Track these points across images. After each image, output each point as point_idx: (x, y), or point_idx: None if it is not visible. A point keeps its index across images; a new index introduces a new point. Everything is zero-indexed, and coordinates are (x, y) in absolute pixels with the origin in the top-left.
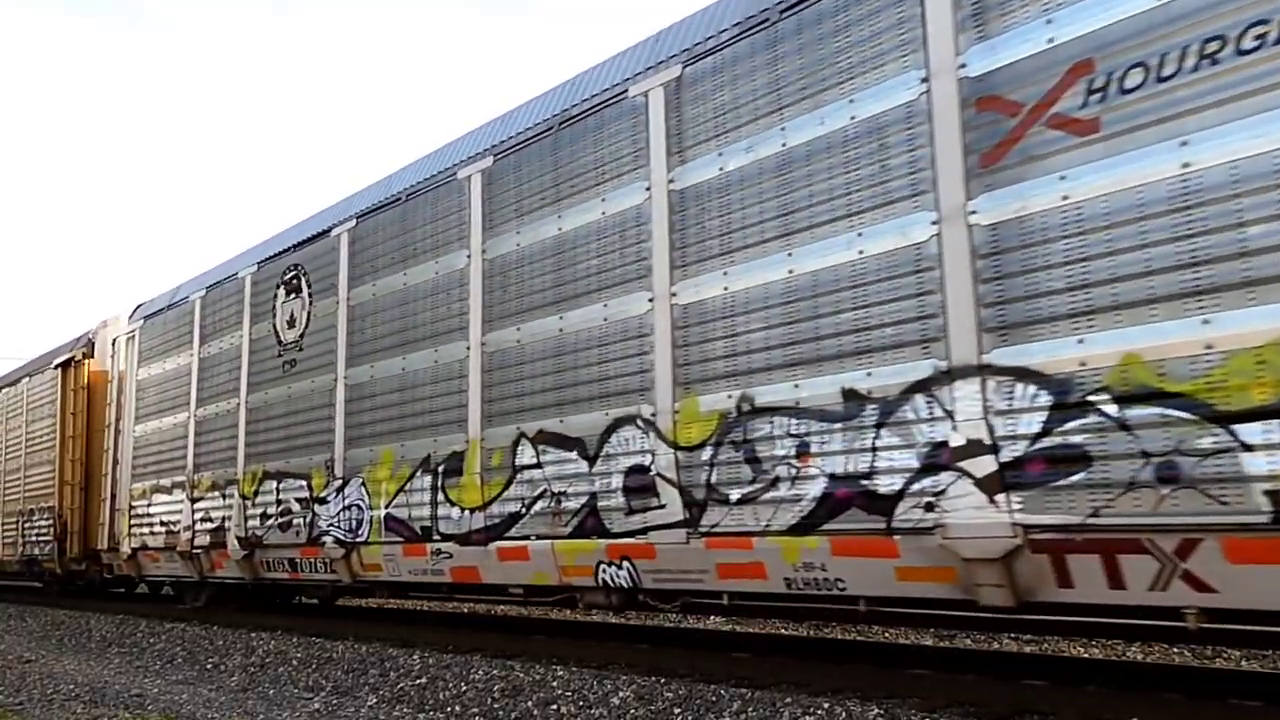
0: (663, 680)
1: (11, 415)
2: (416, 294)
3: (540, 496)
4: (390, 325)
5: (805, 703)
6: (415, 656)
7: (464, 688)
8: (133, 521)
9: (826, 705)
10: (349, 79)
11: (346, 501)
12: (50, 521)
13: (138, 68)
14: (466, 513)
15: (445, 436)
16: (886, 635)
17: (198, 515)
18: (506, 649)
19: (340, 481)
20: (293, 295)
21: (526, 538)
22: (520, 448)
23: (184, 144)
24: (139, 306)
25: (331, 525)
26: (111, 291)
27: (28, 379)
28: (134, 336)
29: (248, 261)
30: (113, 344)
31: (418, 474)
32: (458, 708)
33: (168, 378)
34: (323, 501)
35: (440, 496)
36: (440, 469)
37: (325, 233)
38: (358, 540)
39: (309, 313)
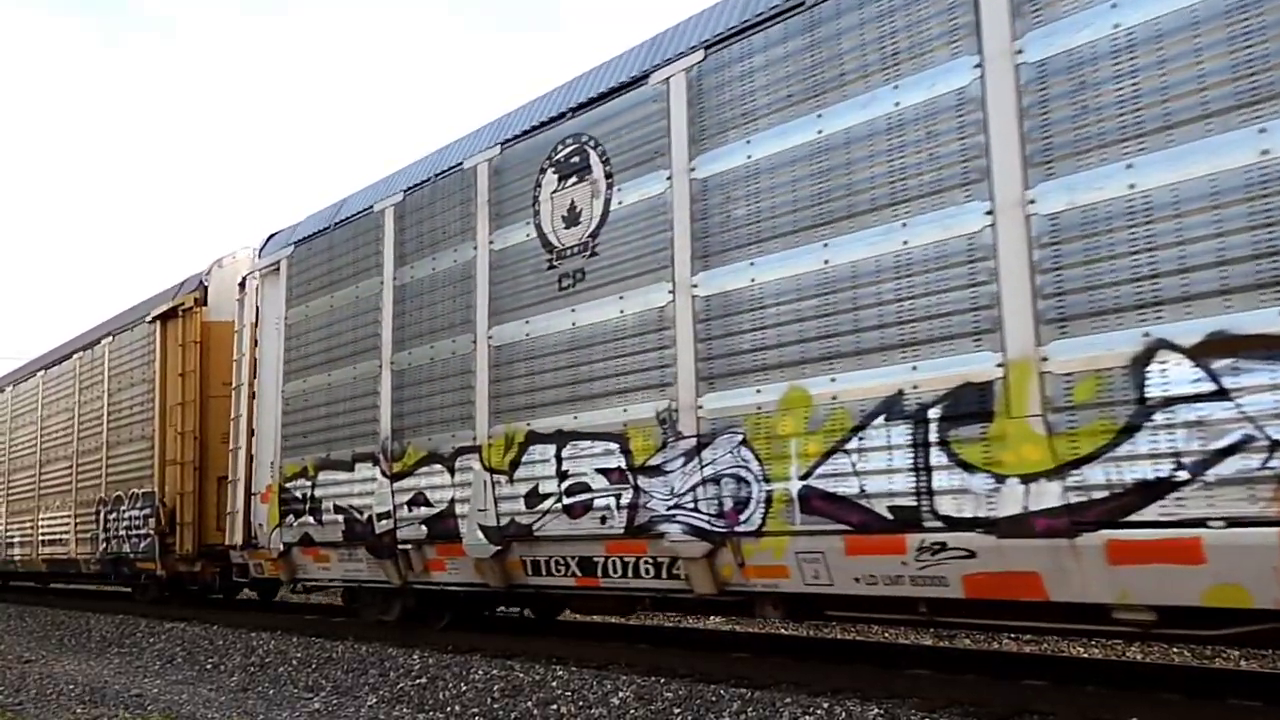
0: (663, 680)
1: (87, 384)
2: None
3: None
4: (808, 191)
5: (805, 703)
6: (415, 656)
7: (464, 688)
8: (285, 508)
9: (826, 705)
10: (360, 87)
11: (709, 471)
12: (147, 511)
13: (134, 67)
14: (1010, 482)
15: (938, 360)
16: (886, 635)
17: (402, 498)
18: (506, 649)
19: (692, 441)
20: (572, 180)
21: (1191, 523)
22: (1158, 365)
23: (183, 145)
24: (273, 236)
25: (677, 507)
26: (109, 293)
27: (109, 339)
28: (279, 270)
29: (475, 146)
30: (241, 285)
31: (875, 423)
32: (457, 708)
33: (338, 318)
34: (654, 471)
35: (938, 457)
36: (933, 414)
37: (637, 81)
38: (736, 530)
39: (607, 201)
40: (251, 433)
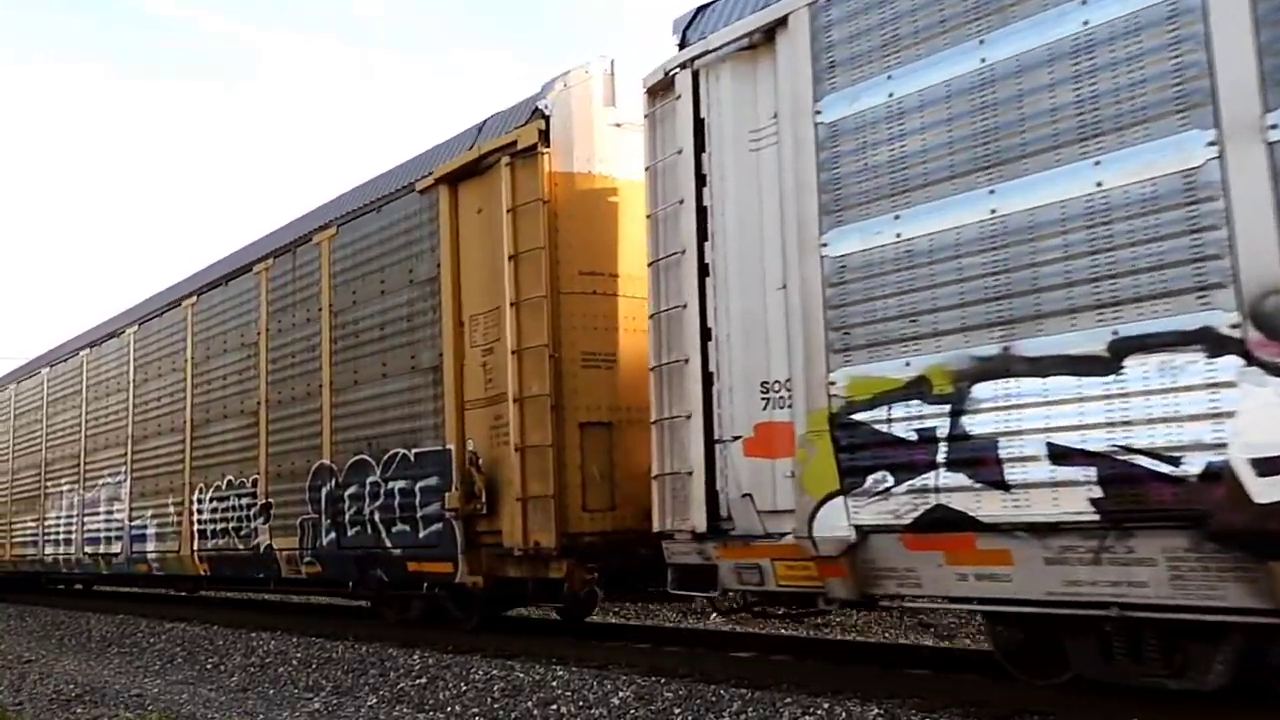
0: (663, 680)
1: (281, 305)
2: None
3: None
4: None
5: (805, 703)
6: (415, 656)
7: (464, 688)
8: (860, 460)
9: (826, 705)
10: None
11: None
12: (433, 478)
13: (131, 67)
14: None
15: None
16: (886, 635)
17: None
18: (506, 649)
19: None
20: None
21: None
22: None
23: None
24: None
25: None
26: (106, 295)
27: (378, 213)
28: (781, 40)
29: None
30: (655, 90)
31: None
32: (458, 708)
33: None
34: None
35: None
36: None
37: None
38: None
39: None
40: (707, 336)
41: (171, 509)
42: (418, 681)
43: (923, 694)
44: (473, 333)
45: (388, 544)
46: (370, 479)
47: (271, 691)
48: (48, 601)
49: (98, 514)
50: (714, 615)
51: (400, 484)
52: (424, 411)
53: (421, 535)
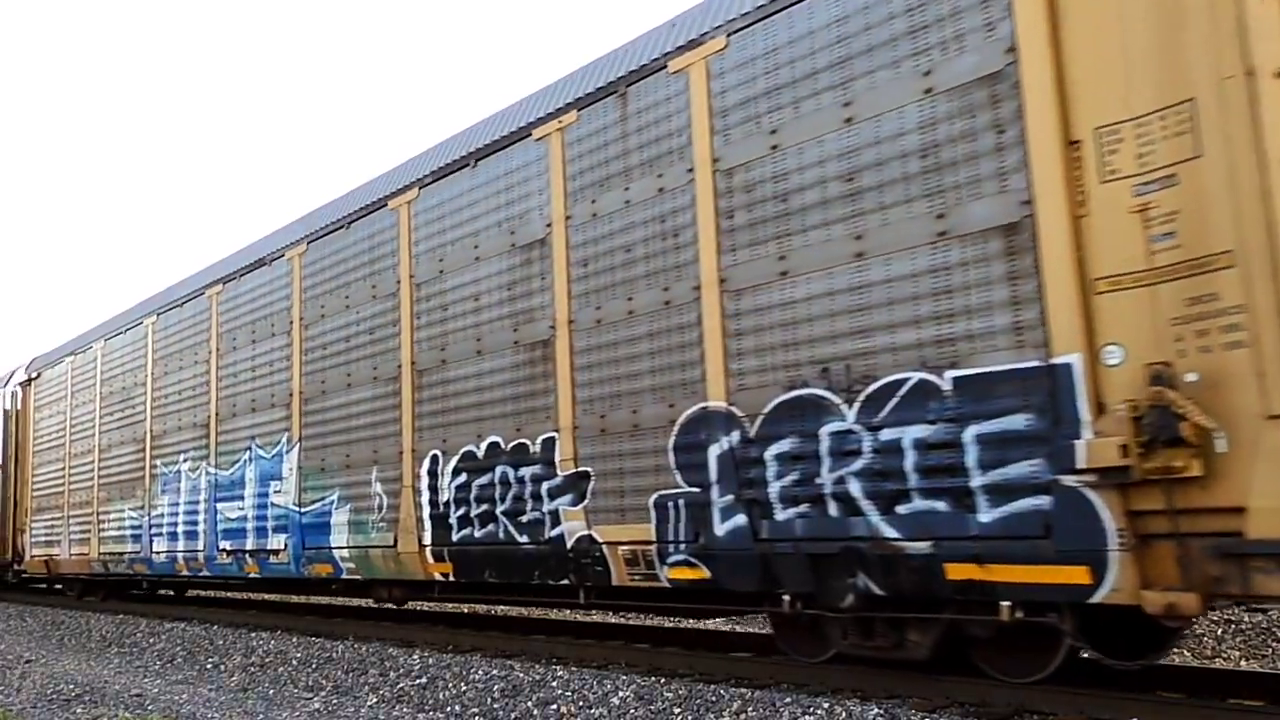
0: (663, 680)
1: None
2: None
3: None
4: None
5: (805, 703)
6: (415, 656)
7: (464, 688)
8: None
9: (826, 705)
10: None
11: None
12: (1016, 415)
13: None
14: None
15: None
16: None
17: None
18: (506, 649)
19: None
20: None
21: None
22: None
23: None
24: None
25: None
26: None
27: None
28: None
29: None
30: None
31: None
32: (458, 708)
33: None
34: None
35: None
36: None
37: None
38: None
39: None
40: None
41: (378, 487)
42: (418, 681)
43: (922, 694)
44: (1105, 154)
45: (888, 532)
46: (832, 426)
47: (271, 691)
48: (47, 601)
49: (239, 498)
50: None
51: (916, 431)
52: (980, 304)
53: (984, 518)
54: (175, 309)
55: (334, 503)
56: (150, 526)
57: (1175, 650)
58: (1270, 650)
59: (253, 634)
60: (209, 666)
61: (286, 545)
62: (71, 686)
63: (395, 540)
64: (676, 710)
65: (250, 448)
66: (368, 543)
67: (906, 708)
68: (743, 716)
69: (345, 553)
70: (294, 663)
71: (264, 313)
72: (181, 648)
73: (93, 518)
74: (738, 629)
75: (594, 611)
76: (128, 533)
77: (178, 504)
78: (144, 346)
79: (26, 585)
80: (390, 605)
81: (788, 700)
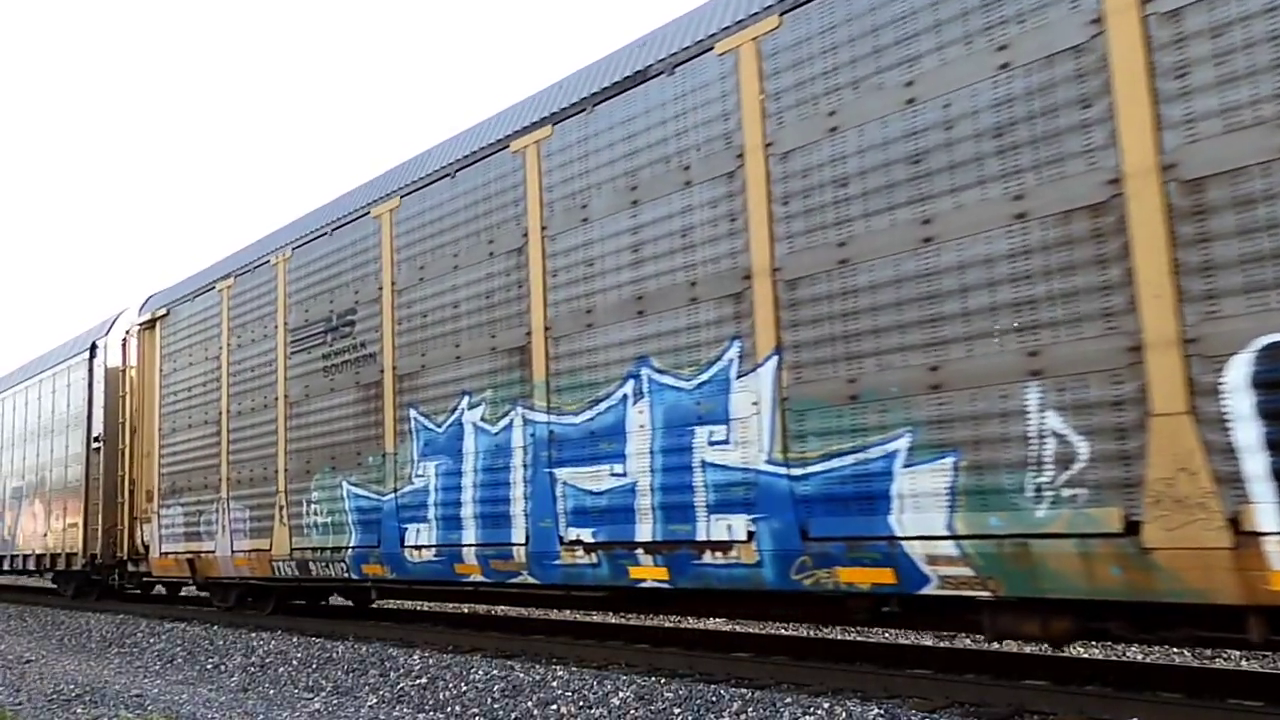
0: (663, 680)
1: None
2: None
3: None
4: None
5: (805, 703)
6: (415, 656)
7: (464, 688)
8: None
9: (826, 705)
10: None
11: None
12: None
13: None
14: None
15: None
16: (886, 635)
17: None
18: (506, 649)
19: None
20: None
21: None
22: None
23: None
24: None
25: None
26: (101, 295)
27: None
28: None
29: None
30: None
31: None
32: (458, 708)
33: None
34: None
35: None
36: None
37: None
38: None
39: None
40: None
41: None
42: (418, 681)
43: (923, 694)
44: None
45: None
46: None
47: (272, 691)
48: (47, 601)
49: (613, 457)
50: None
51: None
52: None
53: None
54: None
55: (900, 455)
56: (400, 508)
57: (1175, 650)
58: (1270, 651)
59: (253, 634)
60: (209, 667)
61: (756, 534)
62: (71, 686)
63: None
64: (676, 710)
65: (638, 373)
66: (1028, 526)
67: (906, 708)
68: (743, 717)
69: (955, 547)
70: (294, 663)
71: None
72: (181, 648)
73: (277, 499)
74: (738, 629)
75: (594, 612)
76: (350, 519)
77: (459, 472)
78: (375, 243)
79: (147, 592)
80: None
81: (788, 700)
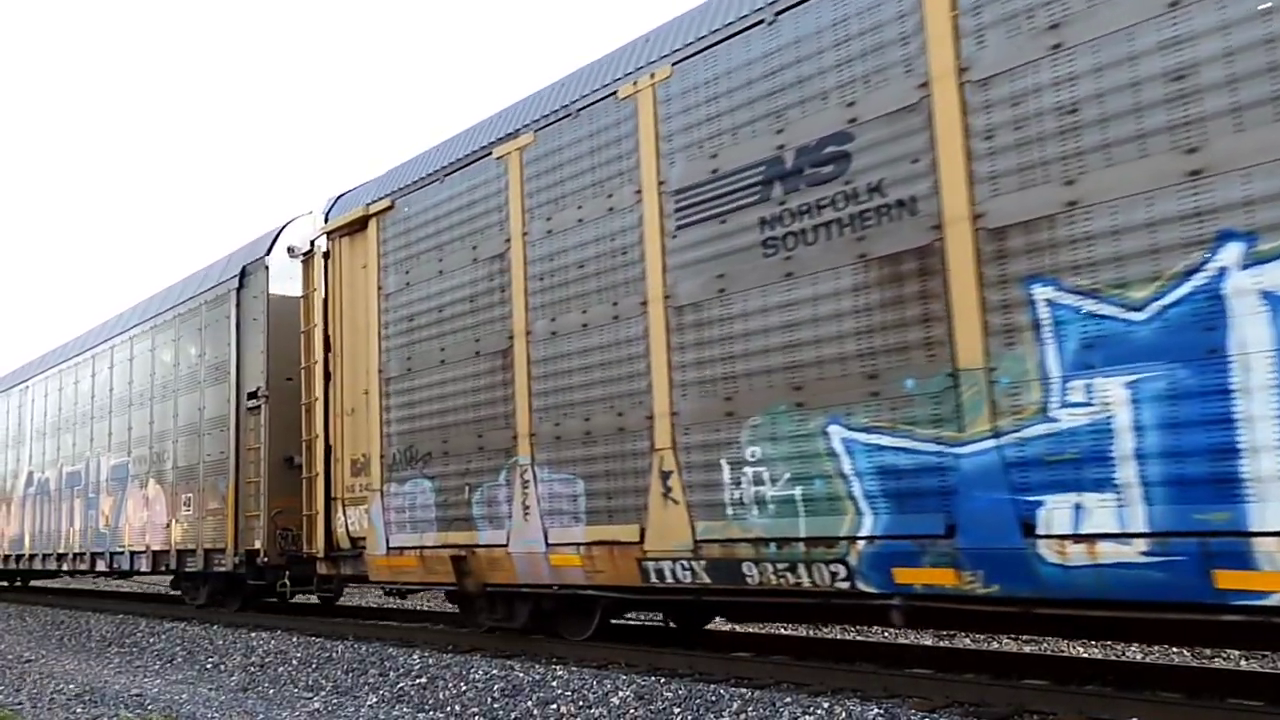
0: (663, 680)
1: None
2: None
3: None
4: None
5: (805, 703)
6: (415, 656)
7: (464, 687)
8: None
9: (826, 705)
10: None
11: None
12: None
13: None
14: None
15: None
16: (886, 635)
17: None
18: (506, 648)
19: None
20: None
21: None
22: None
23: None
24: None
25: None
26: (102, 294)
27: None
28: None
29: None
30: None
31: None
32: (457, 707)
33: None
34: None
35: None
36: None
37: None
38: None
39: None
40: None
41: None
42: (418, 681)
43: (923, 694)
44: None
45: None
46: None
47: (271, 691)
48: (47, 601)
49: None
50: None
51: None
52: None
53: None
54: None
55: None
56: (1018, 466)
57: (1175, 650)
58: (1270, 651)
59: (252, 634)
60: (209, 666)
61: None
62: (72, 686)
63: None
64: (676, 710)
65: None
66: None
67: (906, 708)
68: (743, 716)
69: None
70: (294, 662)
71: None
72: (181, 647)
73: (654, 462)
74: (738, 629)
75: None
76: (856, 488)
77: (1216, 391)
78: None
79: (331, 600)
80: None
81: (788, 700)
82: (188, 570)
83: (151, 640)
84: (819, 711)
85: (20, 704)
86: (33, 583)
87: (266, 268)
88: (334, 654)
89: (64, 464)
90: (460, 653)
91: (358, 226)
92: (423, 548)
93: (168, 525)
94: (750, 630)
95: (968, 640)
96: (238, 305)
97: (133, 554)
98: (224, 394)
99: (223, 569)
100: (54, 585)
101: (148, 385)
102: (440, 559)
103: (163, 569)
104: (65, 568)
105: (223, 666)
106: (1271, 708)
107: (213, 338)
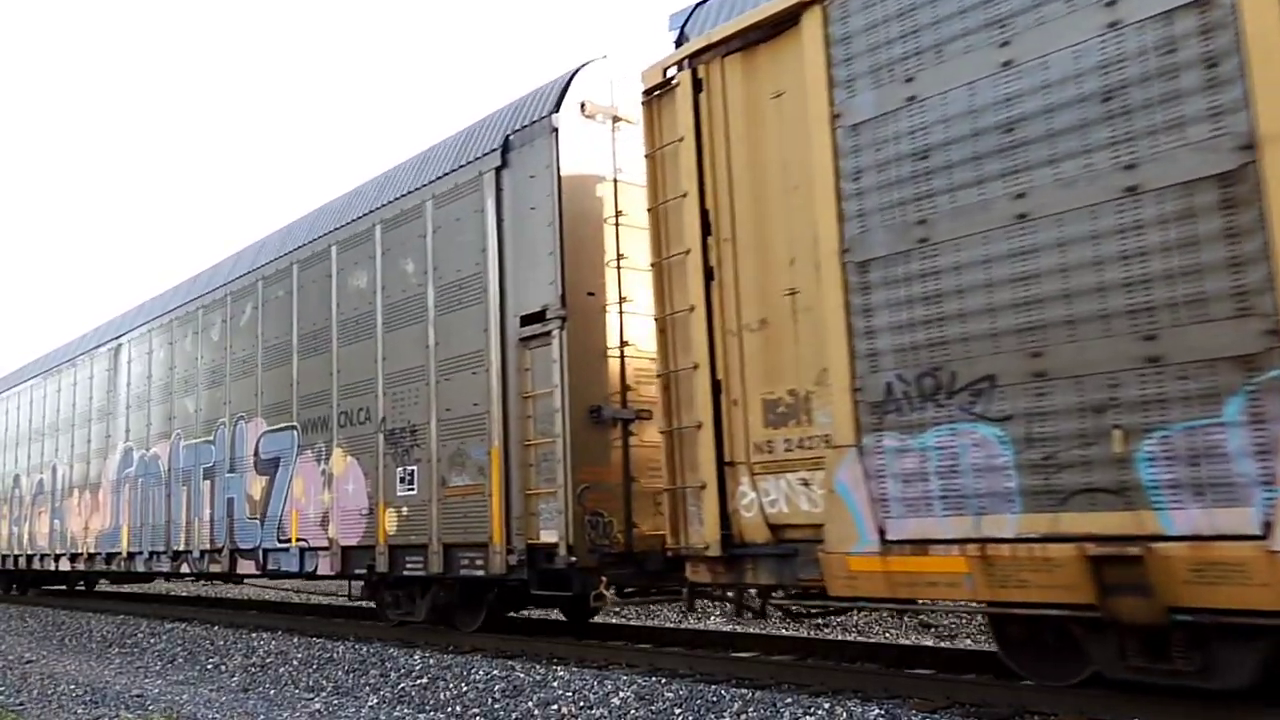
0: (663, 680)
1: None
2: None
3: None
4: None
5: (805, 703)
6: (416, 656)
7: (464, 688)
8: None
9: (826, 705)
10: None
11: None
12: None
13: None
14: None
15: None
16: (886, 635)
17: None
18: (507, 649)
19: None
20: None
21: None
22: None
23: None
24: None
25: None
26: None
27: None
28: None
29: None
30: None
31: None
32: (458, 708)
33: None
34: None
35: None
36: None
37: None
38: None
39: None
40: None
41: None
42: (418, 682)
43: (923, 694)
44: None
45: None
46: None
47: (272, 692)
48: (48, 602)
49: None
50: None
51: None
52: None
53: None
54: None
55: None
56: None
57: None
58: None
59: (253, 634)
60: (210, 667)
61: None
62: (73, 687)
63: None
64: (677, 710)
65: None
66: None
67: (907, 708)
68: (743, 717)
69: None
70: (295, 663)
71: None
72: (182, 648)
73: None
74: (738, 629)
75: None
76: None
77: None
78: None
79: (757, 613)
80: None
81: (788, 700)
82: (406, 573)
83: (152, 641)
84: (820, 712)
85: (22, 704)
86: (134, 588)
87: (555, 130)
88: (335, 655)
89: (180, 436)
90: (461, 653)
91: (770, 31)
92: (985, 541)
93: (369, 511)
94: (750, 630)
95: (968, 640)
96: (498, 191)
97: (304, 551)
98: (475, 320)
99: (479, 572)
100: (166, 592)
101: (324, 324)
102: (1043, 561)
103: (359, 572)
104: (186, 569)
105: (224, 667)
106: (1272, 708)
107: (450, 244)
